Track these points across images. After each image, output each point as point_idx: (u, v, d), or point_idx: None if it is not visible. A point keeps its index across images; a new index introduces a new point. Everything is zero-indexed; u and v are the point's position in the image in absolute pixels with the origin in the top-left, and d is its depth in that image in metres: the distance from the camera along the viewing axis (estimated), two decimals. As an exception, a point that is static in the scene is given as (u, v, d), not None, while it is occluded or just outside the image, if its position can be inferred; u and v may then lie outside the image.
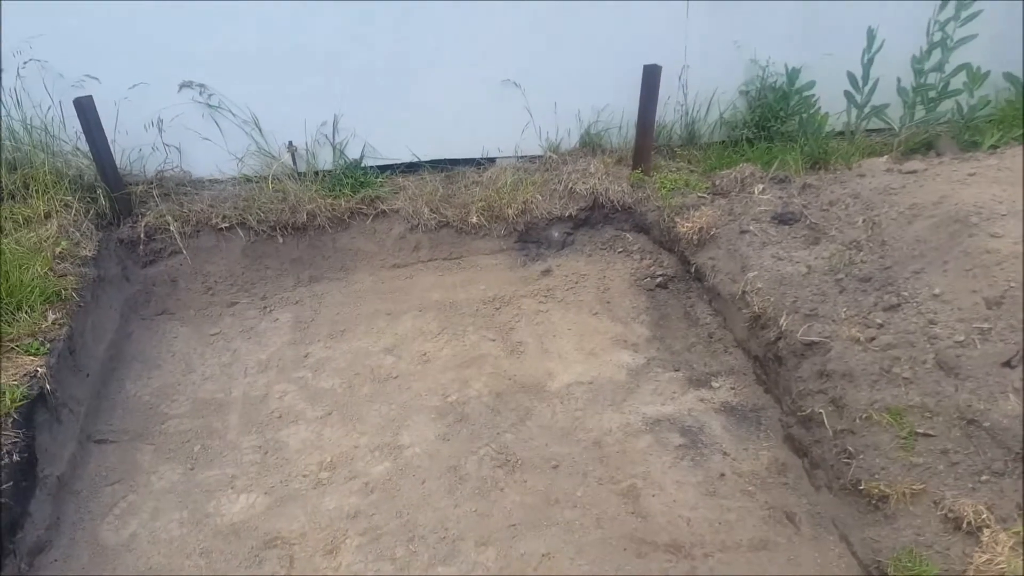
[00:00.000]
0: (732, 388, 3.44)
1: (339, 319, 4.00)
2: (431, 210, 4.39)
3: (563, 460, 3.08)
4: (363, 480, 3.02)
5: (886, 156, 4.47)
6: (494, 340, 3.81)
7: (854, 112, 4.82)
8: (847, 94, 4.76)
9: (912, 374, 2.82)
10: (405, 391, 3.49)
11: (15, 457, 2.71)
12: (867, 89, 4.69)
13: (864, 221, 3.72)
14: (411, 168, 4.74)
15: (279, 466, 3.10)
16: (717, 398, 3.39)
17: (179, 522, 2.87)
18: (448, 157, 4.78)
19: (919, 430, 2.65)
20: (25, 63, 3.96)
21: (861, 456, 2.71)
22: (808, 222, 3.87)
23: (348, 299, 4.16)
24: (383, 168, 4.68)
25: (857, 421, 2.78)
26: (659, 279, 4.14)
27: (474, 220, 4.38)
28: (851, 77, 4.69)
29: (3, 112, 4.02)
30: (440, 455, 3.13)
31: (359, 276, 4.34)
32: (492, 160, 4.86)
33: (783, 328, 3.27)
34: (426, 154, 4.73)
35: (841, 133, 4.88)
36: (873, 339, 3.02)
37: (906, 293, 3.16)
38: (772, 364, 3.35)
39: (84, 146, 4.08)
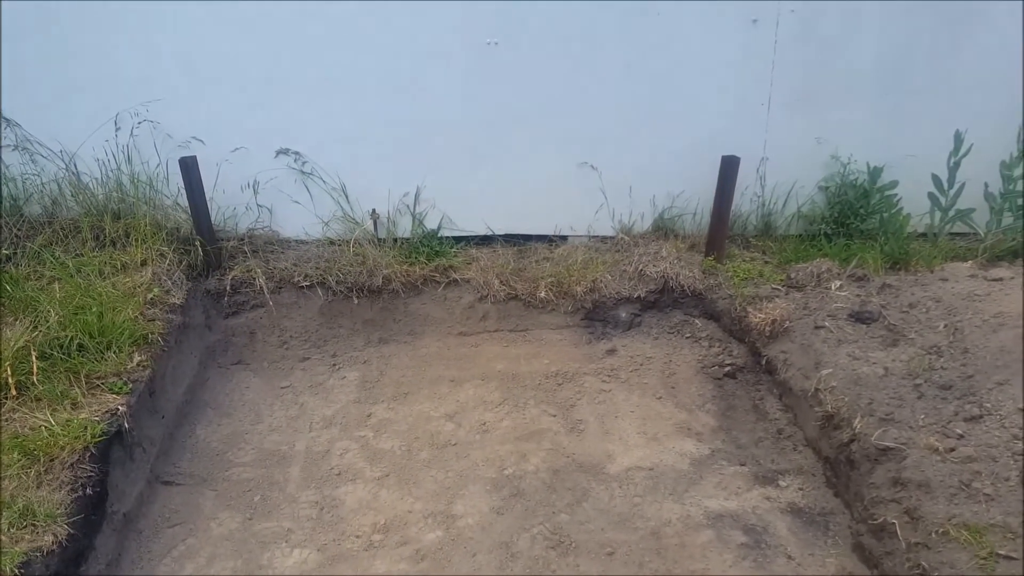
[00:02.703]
0: (800, 489, 3.30)
1: (403, 382, 4.07)
2: (501, 282, 4.47)
3: (619, 547, 2.99)
4: (415, 547, 3.00)
5: (970, 261, 4.35)
6: (554, 416, 3.78)
7: (938, 215, 4.72)
8: (931, 196, 4.68)
9: (994, 491, 2.67)
10: (462, 459, 3.49)
11: (88, 491, 2.81)
12: (952, 192, 4.61)
13: (946, 326, 3.60)
14: (485, 240, 4.87)
15: (334, 524, 3.12)
16: (784, 498, 3.26)
17: (232, 571, 2.90)
18: (521, 232, 4.89)
19: (1000, 551, 2.48)
20: (139, 123, 4.29)
21: (936, 573, 2.53)
22: (886, 323, 3.76)
23: (414, 363, 4.23)
24: (458, 239, 4.82)
25: (933, 535, 2.62)
26: (727, 368, 4.07)
27: (542, 295, 4.43)
28: (936, 179, 4.62)
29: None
30: (493, 529, 3.09)
31: (426, 341, 4.42)
32: (564, 238, 4.94)
33: (857, 430, 3.14)
34: (500, 228, 4.86)
35: (923, 235, 4.78)
36: (952, 450, 2.88)
37: (989, 404, 3.03)
38: (843, 467, 3.20)
39: (184, 201, 4.35)
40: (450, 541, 3.03)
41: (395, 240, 4.69)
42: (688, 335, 4.42)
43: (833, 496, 3.25)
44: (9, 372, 3.12)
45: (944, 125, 4.51)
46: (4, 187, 4.26)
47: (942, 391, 3.22)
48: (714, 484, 3.34)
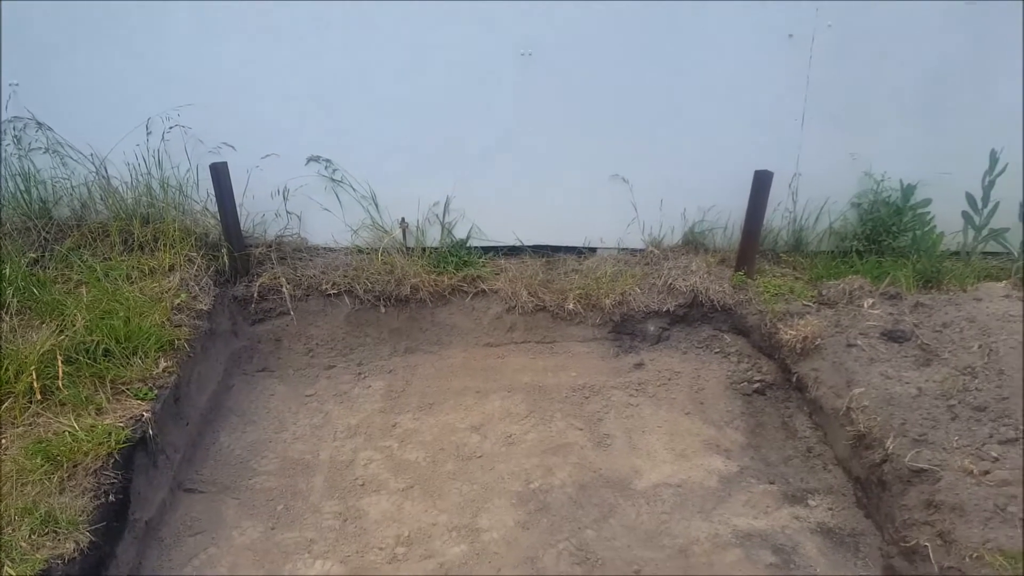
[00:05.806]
0: (830, 508, 3.24)
1: (429, 392, 4.04)
2: (529, 293, 4.44)
3: (646, 565, 2.94)
4: (438, 560, 2.97)
5: (1004, 281, 4.26)
6: (581, 429, 3.74)
7: (971, 233, 4.64)
8: (965, 215, 4.60)
9: (1031, 515, 2.61)
10: (488, 472, 3.45)
11: (111, 498, 2.80)
12: (986, 211, 4.53)
13: (980, 347, 3.53)
14: (513, 251, 4.84)
15: (357, 535, 3.09)
16: (813, 517, 3.19)
17: (255, 581, 2.88)
18: (551, 244, 4.86)
19: (1039, 579, 2.42)
20: (170, 128, 4.29)
21: (971, 599, 2.48)
22: (919, 342, 3.69)
23: (440, 373, 4.21)
24: (487, 249, 4.80)
25: (967, 560, 2.57)
26: (756, 384, 4.01)
27: (570, 307, 4.40)
28: (970, 198, 4.54)
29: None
30: (518, 544, 3.05)
31: (452, 351, 4.40)
32: (593, 250, 4.91)
33: (889, 451, 3.08)
34: (529, 239, 4.84)
35: (956, 253, 4.69)
36: (987, 473, 2.83)
37: (1025, 427, 2.96)
38: (875, 488, 3.14)
39: (213, 207, 4.37)
40: (474, 555, 2.99)
41: (423, 249, 4.67)
42: (717, 350, 4.36)
43: (864, 517, 3.19)
44: (34, 376, 3.11)
45: (980, 144, 4.43)
46: (34, 189, 4.30)
47: (976, 413, 3.16)
48: (743, 502, 3.28)
